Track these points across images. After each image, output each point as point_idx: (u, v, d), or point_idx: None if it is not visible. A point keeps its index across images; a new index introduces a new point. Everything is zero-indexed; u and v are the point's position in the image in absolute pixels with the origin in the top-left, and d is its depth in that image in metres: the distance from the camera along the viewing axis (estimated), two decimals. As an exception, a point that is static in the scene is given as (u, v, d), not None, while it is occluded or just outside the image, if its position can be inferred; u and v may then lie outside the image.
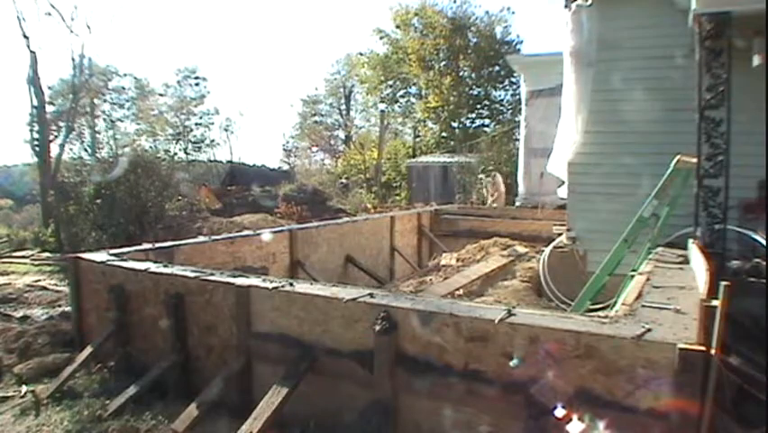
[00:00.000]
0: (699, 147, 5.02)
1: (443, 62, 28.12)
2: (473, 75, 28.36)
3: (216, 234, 8.63)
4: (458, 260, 8.67)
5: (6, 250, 12.13)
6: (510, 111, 27.85)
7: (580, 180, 6.95)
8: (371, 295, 3.49)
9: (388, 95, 31.28)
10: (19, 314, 6.51)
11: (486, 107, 29.09)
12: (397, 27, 29.35)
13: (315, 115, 38.28)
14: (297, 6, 56.08)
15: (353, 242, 8.36)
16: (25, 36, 15.04)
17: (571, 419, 2.60)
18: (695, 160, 5.07)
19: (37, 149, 15.86)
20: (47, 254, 11.17)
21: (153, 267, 4.56)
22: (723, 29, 4.85)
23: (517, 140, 17.45)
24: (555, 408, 2.64)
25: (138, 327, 4.53)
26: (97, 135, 26.66)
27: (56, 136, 17.98)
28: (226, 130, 34.15)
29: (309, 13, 55.94)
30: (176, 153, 29.14)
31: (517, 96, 20.18)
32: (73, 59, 17.16)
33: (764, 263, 4.35)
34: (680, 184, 5.31)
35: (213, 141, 33.04)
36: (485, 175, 14.48)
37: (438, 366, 3.08)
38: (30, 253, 11.65)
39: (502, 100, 29.14)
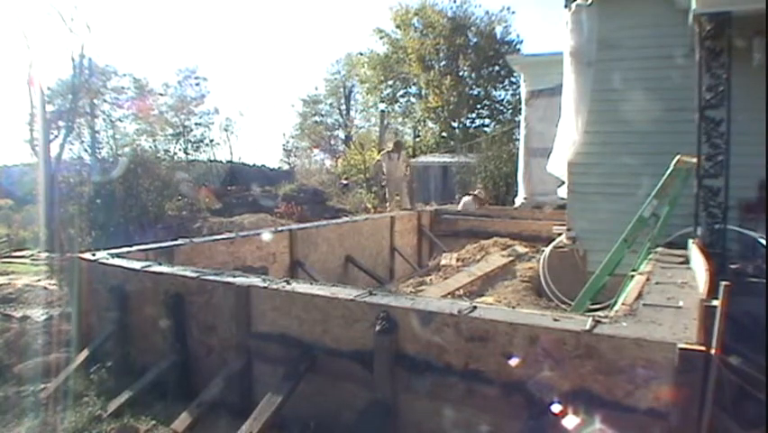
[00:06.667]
0: (699, 147, 5.02)
1: (443, 62, 28.13)
2: (473, 75, 28.37)
3: (216, 234, 8.62)
4: (458, 260, 8.67)
5: (6, 250, 12.11)
6: (510, 111, 27.86)
7: (580, 180, 6.95)
8: (371, 295, 3.49)
9: (388, 95, 31.28)
10: (19, 314, 6.50)
11: (486, 107, 29.11)
12: (397, 27, 29.34)
13: (315, 114, 38.25)
14: (298, 6, 56.06)
15: (353, 242, 8.36)
16: (25, 36, 15.02)
17: (567, 414, 2.61)
18: (695, 160, 5.07)
19: (37, 149, 15.87)
20: (47, 254, 11.14)
21: (153, 267, 4.56)
22: (723, 29, 4.85)
23: (517, 140, 17.43)
24: (553, 404, 2.65)
25: (138, 327, 4.53)
26: (97, 135, 26.61)
27: (56, 136, 17.99)
28: (226, 130, 34.07)
29: (309, 13, 55.91)
30: (176, 153, 29.08)
31: (517, 96, 20.16)
32: (73, 59, 17.17)
33: (764, 263, 4.35)
34: (680, 184, 5.30)
35: (213, 141, 32.97)
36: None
37: (438, 366, 3.08)
38: (30, 252, 11.63)
39: (502, 100, 29.20)
